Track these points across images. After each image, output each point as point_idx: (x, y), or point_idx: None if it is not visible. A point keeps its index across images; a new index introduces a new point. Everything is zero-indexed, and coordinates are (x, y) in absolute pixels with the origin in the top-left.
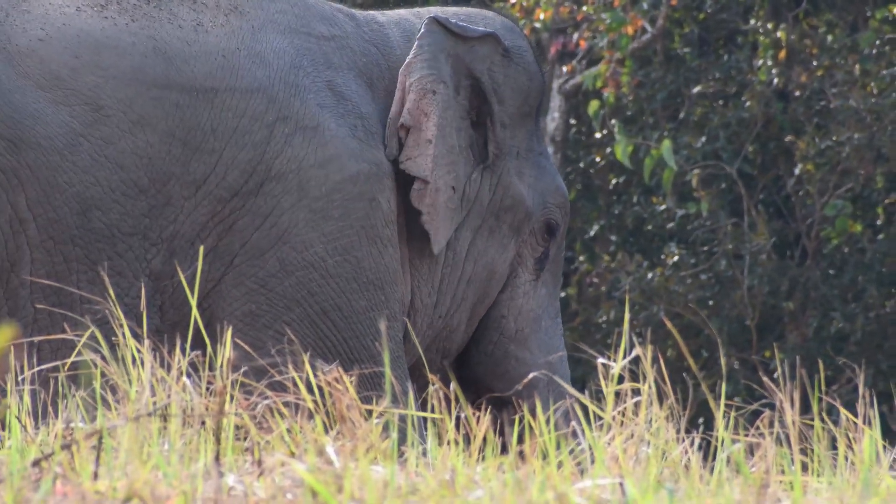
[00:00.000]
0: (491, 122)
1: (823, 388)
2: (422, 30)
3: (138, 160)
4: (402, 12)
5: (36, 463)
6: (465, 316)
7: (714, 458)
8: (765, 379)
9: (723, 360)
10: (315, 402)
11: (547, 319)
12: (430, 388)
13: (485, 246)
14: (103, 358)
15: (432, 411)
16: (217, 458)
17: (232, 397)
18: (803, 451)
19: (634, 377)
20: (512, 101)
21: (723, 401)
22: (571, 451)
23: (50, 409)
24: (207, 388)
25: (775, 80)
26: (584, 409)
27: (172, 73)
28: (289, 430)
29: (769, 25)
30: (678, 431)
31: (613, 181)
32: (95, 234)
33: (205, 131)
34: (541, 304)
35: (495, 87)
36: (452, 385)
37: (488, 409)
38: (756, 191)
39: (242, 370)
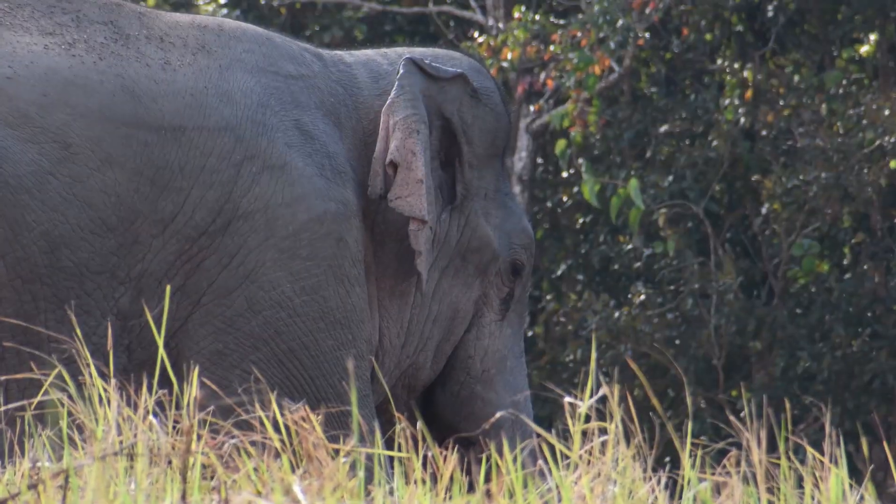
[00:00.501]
0: (460, 162)
1: (790, 427)
2: (401, 70)
3: (107, 198)
4: (369, 52)
5: (2, 503)
6: (431, 354)
7: (681, 498)
8: (731, 418)
9: (688, 400)
10: (282, 441)
11: (512, 359)
12: (397, 427)
13: (450, 286)
14: (70, 397)
15: (399, 450)
16: (184, 498)
17: (199, 436)
18: (770, 491)
19: (601, 416)
20: (480, 142)
21: (689, 440)
22: (538, 491)
23: (17, 448)
24: (174, 427)
25: (742, 120)
26: (551, 448)
27: (141, 112)
28: (256, 470)
29: (736, 65)
30: (645, 470)
31: (580, 220)
32: (64, 272)
33: (173, 170)
34: (506, 343)
35: (464, 128)
36: (419, 424)
37: (455, 448)
38: (723, 230)
39: (209, 409)
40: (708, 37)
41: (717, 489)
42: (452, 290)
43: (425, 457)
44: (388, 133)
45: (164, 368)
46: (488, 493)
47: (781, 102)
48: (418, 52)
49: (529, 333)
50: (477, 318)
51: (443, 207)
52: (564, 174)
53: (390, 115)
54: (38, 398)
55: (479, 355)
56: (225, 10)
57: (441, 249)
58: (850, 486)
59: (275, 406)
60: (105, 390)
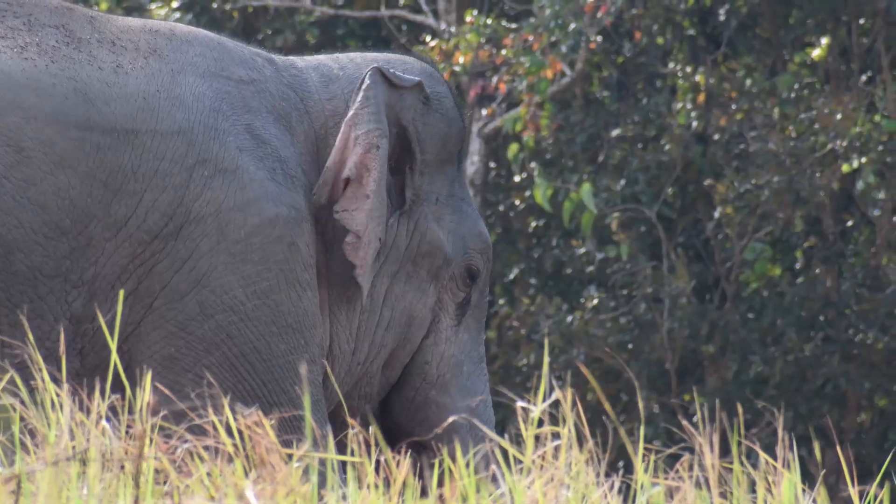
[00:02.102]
0: (410, 168)
1: (743, 431)
2: (367, 81)
3: (60, 201)
4: (320, 58)
5: None
6: (385, 361)
7: (634, 502)
8: (684, 422)
9: (640, 404)
10: (235, 445)
11: (469, 364)
12: (350, 432)
13: (402, 291)
14: (22, 402)
15: (352, 455)
16: (136, 503)
17: (151, 441)
18: (723, 495)
19: (554, 421)
20: (431, 148)
21: (641, 444)
22: (491, 495)
23: None
24: (127, 432)
25: (694, 124)
26: (504, 452)
27: (93, 115)
28: (208, 474)
29: (688, 69)
30: (598, 475)
31: (533, 224)
32: (17, 276)
33: (125, 173)
34: (463, 349)
35: (418, 135)
36: (372, 429)
37: (408, 453)
38: (675, 234)
39: (162, 414)
40: (660, 41)
41: (670, 494)
42: (405, 295)
43: (378, 461)
44: (346, 145)
45: (116, 373)
46: (441, 498)
47: (734, 106)
48: (371, 57)
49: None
50: (433, 323)
51: (391, 213)
52: (517, 178)
53: (352, 127)
54: None
55: (435, 361)
56: (177, 15)
57: (390, 255)
58: (803, 490)
59: (227, 410)
60: (58, 395)
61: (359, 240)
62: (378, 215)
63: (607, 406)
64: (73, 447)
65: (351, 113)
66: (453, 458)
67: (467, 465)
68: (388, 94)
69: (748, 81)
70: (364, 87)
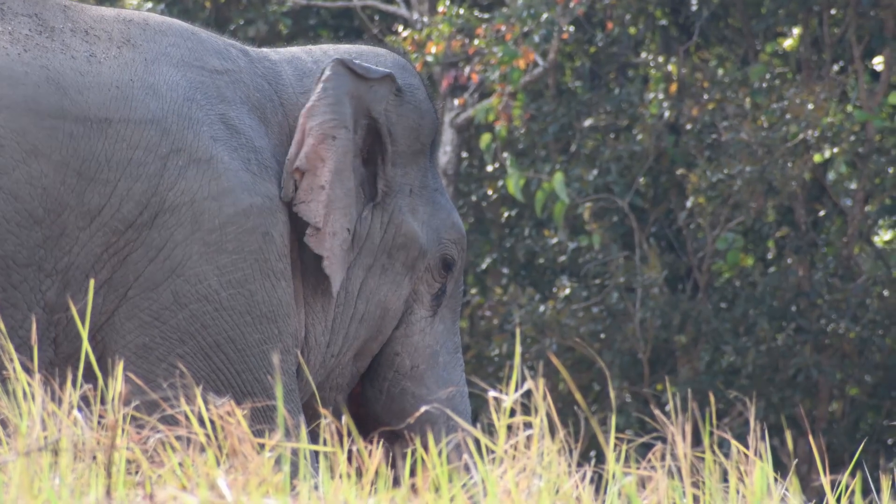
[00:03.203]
0: (382, 160)
1: (715, 421)
2: (327, 72)
3: (33, 190)
4: (294, 50)
5: None
6: (357, 353)
7: (606, 492)
8: (656, 412)
9: (612, 394)
10: (207, 435)
11: (445, 355)
12: (323, 422)
13: (377, 284)
14: None
15: (325, 445)
16: (109, 493)
17: (123, 431)
18: (695, 484)
19: (526, 410)
20: (403, 139)
21: (613, 434)
22: (464, 485)
23: None
24: (99, 422)
25: (666, 114)
26: (477, 442)
27: (66, 104)
28: (181, 464)
29: (660, 59)
30: (570, 465)
31: (505, 214)
32: None
33: (99, 162)
34: (438, 339)
35: (389, 127)
36: (344, 418)
37: (380, 443)
38: (648, 224)
39: (134, 404)
40: (632, 30)
41: (642, 483)
42: (380, 288)
43: (350, 451)
44: (302, 137)
45: (89, 363)
46: (413, 488)
47: (706, 96)
48: (343, 48)
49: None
50: (407, 314)
51: (364, 205)
52: (489, 168)
53: (308, 118)
54: None
55: (407, 352)
56: (149, 5)
57: (364, 247)
58: (775, 479)
59: (200, 400)
60: (30, 385)
61: (318, 231)
62: (341, 206)
63: (579, 396)
64: (45, 437)
65: (308, 104)
66: (426, 448)
67: (440, 454)
68: (355, 85)
69: (720, 71)
70: (324, 78)
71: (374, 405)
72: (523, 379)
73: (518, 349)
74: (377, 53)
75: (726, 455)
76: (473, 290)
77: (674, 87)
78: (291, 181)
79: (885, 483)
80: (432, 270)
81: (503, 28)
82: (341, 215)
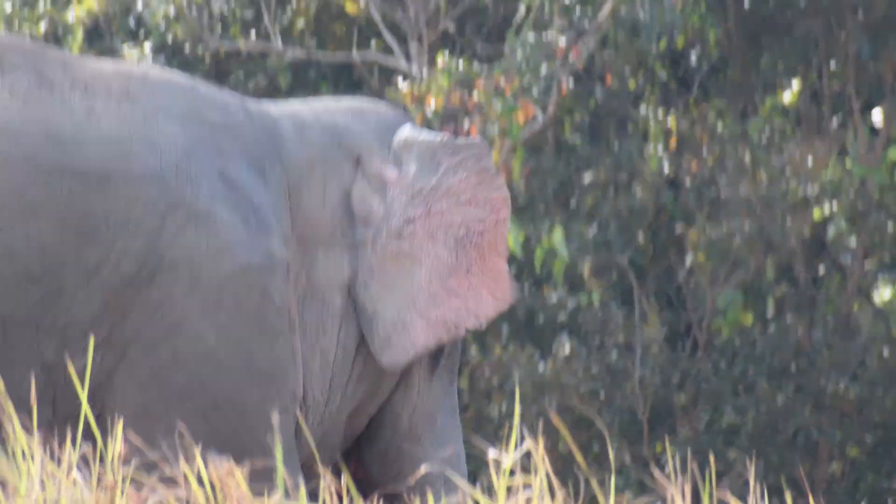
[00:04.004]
0: None
1: (714, 481)
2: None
3: (31, 248)
4: (293, 104)
5: None
6: (353, 413)
7: None
8: (656, 472)
9: (612, 454)
10: (206, 496)
11: (443, 416)
12: (322, 483)
13: None
14: None
15: None
16: None
17: (123, 492)
18: None
19: (526, 470)
20: None
21: (612, 495)
22: None
23: None
24: (98, 483)
25: (666, 169)
26: (476, 503)
27: (65, 160)
28: None
29: (660, 113)
30: None
31: None
32: None
33: (98, 219)
34: (436, 400)
35: None
36: (344, 478)
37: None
38: (647, 281)
39: (133, 464)
40: (632, 84)
41: None
42: None
43: None
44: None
45: (88, 422)
46: None
47: (705, 151)
48: (344, 104)
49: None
50: (405, 374)
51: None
52: None
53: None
54: None
55: (406, 412)
56: (149, 58)
57: None
58: None
59: (199, 460)
60: (28, 445)
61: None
62: None
63: (579, 457)
64: (45, 498)
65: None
66: None
67: None
68: None
69: (720, 126)
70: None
71: (373, 465)
72: (523, 439)
73: (517, 408)
74: (378, 110)
75: None
76: (473, 349)
77: (673, 142)
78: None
79: None
80: None
81: (502, 81)
82: None
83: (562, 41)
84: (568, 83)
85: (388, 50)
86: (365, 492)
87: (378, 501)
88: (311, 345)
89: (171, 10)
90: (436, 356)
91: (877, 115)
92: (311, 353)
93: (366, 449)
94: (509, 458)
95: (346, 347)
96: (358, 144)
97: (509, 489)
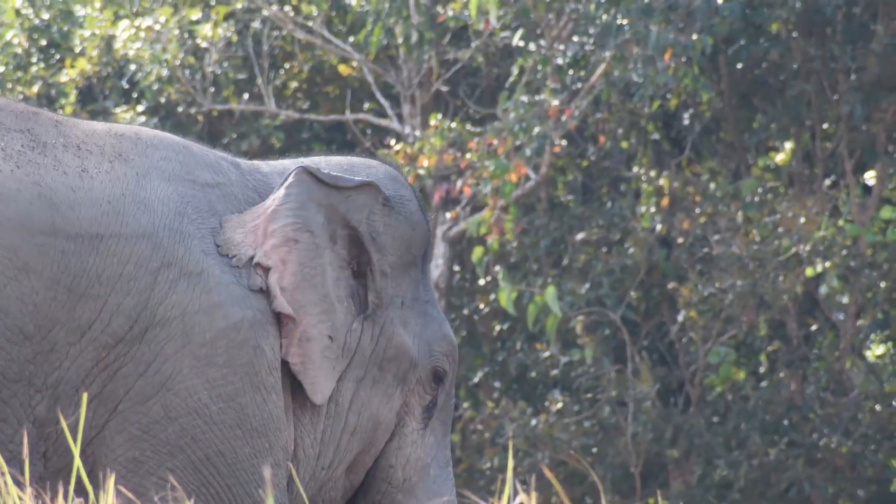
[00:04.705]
0: (371, 271)
1: None
2: (290, 179)
3: (24, 307)
4: (285, 162)
5: None
6: (350, 466)
7: None
8: None
9: None
10: None
11: (436, 468)
12: None
13: (368, 396)
14: None
15: None
16: None
17: None
18: None
19: None
20: (393, 251)
21: None
22: None
23: None
24: None
25: (658, 227)
26: None
27: (58, 220)
28: None
29: (652, 173)
30: None
31: (497, 328)
32: None
33: (90, 277)
34: (429, 452)
35: (374, 236)
36: None
37: None
38: (640, 338)
39: None
40: (624, 144)
41: None
42: (371, 401)
43: None
44: (264, 238)
45: (80, 476)
46: None
47: (697, 210)
48: (335, 161)
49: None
50: (399, 426)
51: (355, 317)
52: (481, 281)
53: (269, 222)
54: None
55: (400, 464)
56: (142, 119)
57: (354, 359)
58: None
59: None
60: (20, 499)
61: (289, 334)
62: (318, 311)
63: None
64: None
65: (269, 209)
66: None
67: None
68: (323, 193)
69: (712, 185)
70: (286, 184)
71: None
72: (515, 493)
73: (510, 462)
74: (369, 165)
75: None
76: (465, 404)
77: (665, 201)
78: (256, 276)
79: None
80: (423, 383)
81: (495, 142)
82: (317, 321)
83: (554, 102)
84: (560, 143)
85: (380, 111)
86: None
87: None
88: (303, 399)
89: (164, 72)
90: (429, 408)
91: (869, 175)
92: (301, 407)
93: (359, 499)
94: None
95: (339, 401)
96: None
97: None
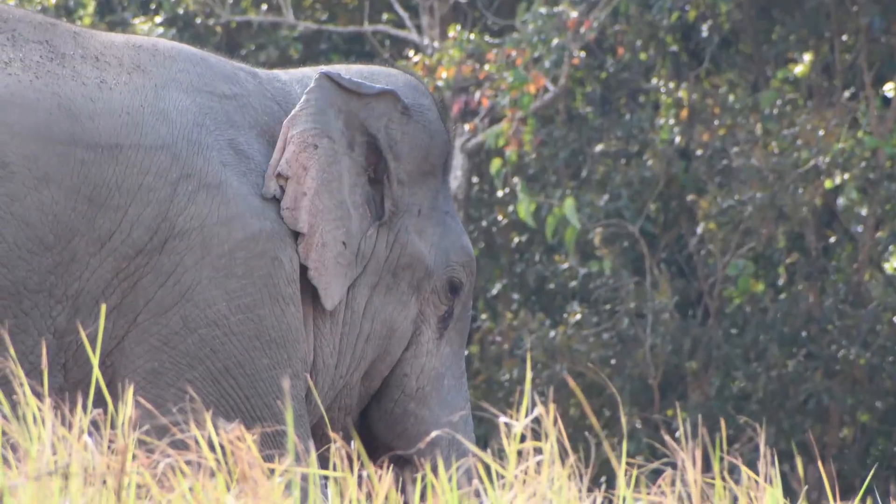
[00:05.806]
0: (387, 179)
1: (725, 446)
2: (311, 84)
3: (44, 217)
4: (305, 70)
5: None
6: (365, 373)
7: None
8: (667, 437)
9: (623, 419)
10: (217, 460)
11: (450, 378)
12: (332, 447)
13: (382, 303)
14: (4, 416)
15: (334, 469)
16: None
17: (133, 456)
18: None
19: (537, 436)
20: (411, 159)
21: (624, 459)
22: None
23: None
24: (109, 447)
25: (677, 139)
26: (487, 467)
27: (77, 130)
28: (190, 489)
29: (671, 85)
30: (580, 490)
31: (516, 240)
32: (1, 291)
33: (110, 188)
34: (444, 362)
35: (391, 144)
36: (354, 443)
37: (390, 468)
38: (658, 250)
39: (144, 428)
40: (643, 56)
41: None
42: (385, 307)
43: (360, 476)
44: (284, 144)
45: (99, 387)
46: None
47: (716, 122)
48: (355, 69)
49: (465, 353)
50: (415, 335)
51: (370, 223)
52: (500, 193)
53: (290, 127)
54: None
55: (414, 373)
56: (160, 30)
57: (369, 266)
58: None
59: (210, 425)
60: (40, 410)
61: (304, 240)
62: (333, 217)
63: (593, 419)
64: (56, 462)
65: (290, 114)
66: (435, 473)
67: (450, 479)
68: (343, 99)
69: (731, 97)
70: (308, 90)
71: (377, 424)
72: (533, 404)
73: (529, 374)
74: (389, 73)
75: (736, 481)
76: (484, 316)
77: (684, 113)
78: (274, 184)
79: None
80: (439, 292)
81: (514, 53)
82: (333, 227)
83: (573, 14)
84: (579, 55)
85: (399, 22)
86: (372, 453)
87: (388, 465)
88: (322, 308)
89: None
90: (445, 319)
91: (889, 87)
92: (321, 317)
93: (372, 407)
94: (520, 423)
95: (354, 308)
96: None
97: (520, 454)
